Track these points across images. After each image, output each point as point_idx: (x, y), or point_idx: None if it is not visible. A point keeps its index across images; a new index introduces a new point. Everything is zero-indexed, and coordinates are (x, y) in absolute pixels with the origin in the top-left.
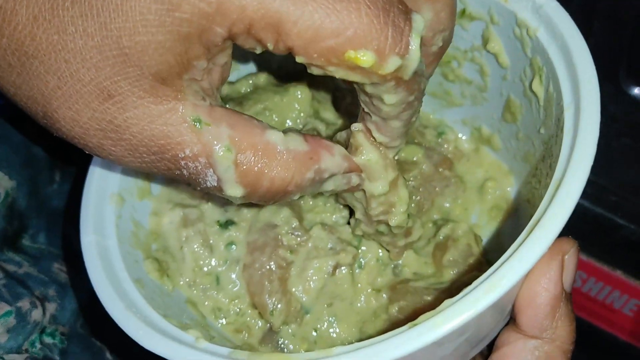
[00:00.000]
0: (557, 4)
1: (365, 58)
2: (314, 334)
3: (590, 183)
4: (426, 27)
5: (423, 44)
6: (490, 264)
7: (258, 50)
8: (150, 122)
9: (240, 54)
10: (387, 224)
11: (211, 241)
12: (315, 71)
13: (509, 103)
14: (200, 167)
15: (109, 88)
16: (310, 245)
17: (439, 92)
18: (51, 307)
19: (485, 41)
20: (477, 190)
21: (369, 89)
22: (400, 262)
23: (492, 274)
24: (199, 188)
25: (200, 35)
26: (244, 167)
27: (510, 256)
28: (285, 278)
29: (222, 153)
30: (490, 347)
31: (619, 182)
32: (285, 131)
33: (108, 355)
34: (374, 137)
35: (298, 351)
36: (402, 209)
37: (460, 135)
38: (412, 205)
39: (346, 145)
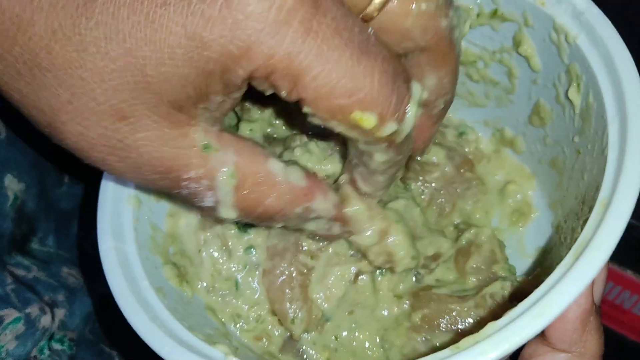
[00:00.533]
0: (600, 11)
1: (368, 121)
2: (335, 341)
3: None
4: (430, 92)
5: (426, 105)
6: (511, 270)
7: (268, 93)
8: (161, 144)
9: None
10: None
11: (230, 245)
12: (315, 121)
13: (537, 107)
14: (201, 189)
15: (125, 110)
16: (331, 250)
17: (462, 92)
18: (60, 313)
19: (517, 43)
20: (497, 193)
21: (361, 146)
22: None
23: (540, 299)
24: (195, 206)
25: (222, 73)
26: (243, 193)
27: (559, 280)
28: (306, 285)
29: (225, 178)
30: (513, 357)
31: None
32: (288, 163)
33: None
34: (358, 187)
35: (319, 359)
36: (402, 257)
37: (480, 135)
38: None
39: None
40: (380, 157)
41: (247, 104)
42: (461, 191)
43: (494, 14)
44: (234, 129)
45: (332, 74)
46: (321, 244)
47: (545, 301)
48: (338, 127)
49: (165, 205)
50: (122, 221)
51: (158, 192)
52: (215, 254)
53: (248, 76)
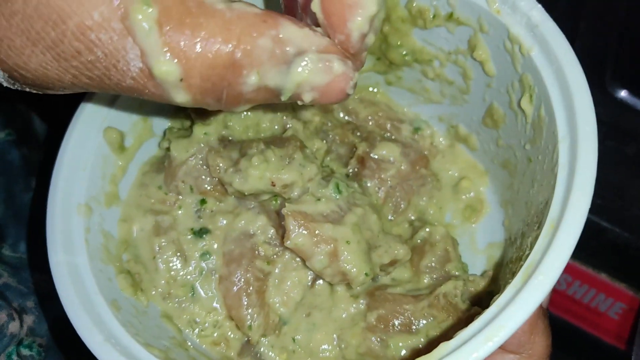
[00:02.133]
0: (554, 25)
1: None
2: (293, 343)
3: None
4: None
5: None
6: (464, 269)
7: None
8: None
9: None
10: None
11: (185, 251)
12: None
13: (491, 110)
14: (115, 37)
15: None
16: (287, 256)
17: (417, 89)
18: (29, 319)
19: (471, 47)
20: (451, 188)
21: None
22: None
23: (489, 322)
24: (128, 85)
25: None
26: (171, 26)
27: (508, 303)
28: (262, 290)
29: (139, 10)
30: None
31: (604, 185)
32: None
33: None
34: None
35: None
36: (355, 275)
37: (435, 129)
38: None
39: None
40: None
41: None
42: (416, 187)
43: (450, 16)
44: (188, 132)
45: None
46: (277, 249)
47: (494, 324)
48: None
49: (116, 211)
50: (72, 233)
51: (127, 156)
52: (171, 261)
53: None
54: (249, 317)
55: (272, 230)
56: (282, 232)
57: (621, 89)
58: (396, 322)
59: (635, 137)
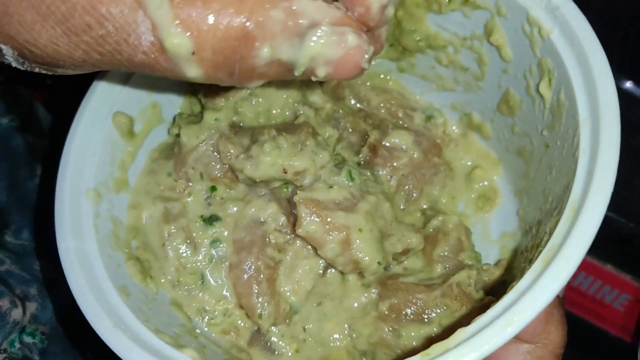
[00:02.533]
0: (575, 6)
1: None
2: (304, 332)
3: None
4: None
5: None
6: (477, 258)
7: None
8: None
9: None
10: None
11: (195, 238)
12: None
13: (507, 96)
14: (126, 10)
15: None
16: (298, 244)
17: (430, 76)
18: (32, 307)
19: (488, 32)
20: (464, 178)
21: None
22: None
23: (509, 307)
24: (139, 60)
25: None
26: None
27: (529, 288)
28: (273, 278)
29: None
30: None
31: None
32: None
33: (89, 355)
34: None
35: (287, 351)
36: (368, 263)
37: (448, 118)
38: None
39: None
40: None
41: (212, 92)
42: (428, 177)
43: (466, 0)
44: (198, 118)
45: None
46: (288, 237)
47: (514, 309)
48: None
49: (125, 197)
50: (81, 218)
51: (136, 143)
52: (180, 248)
53: None
54: (259, 305)
55: (283, 218)
56: (293, 220)
57: (627, 81)
58: (408, 312)
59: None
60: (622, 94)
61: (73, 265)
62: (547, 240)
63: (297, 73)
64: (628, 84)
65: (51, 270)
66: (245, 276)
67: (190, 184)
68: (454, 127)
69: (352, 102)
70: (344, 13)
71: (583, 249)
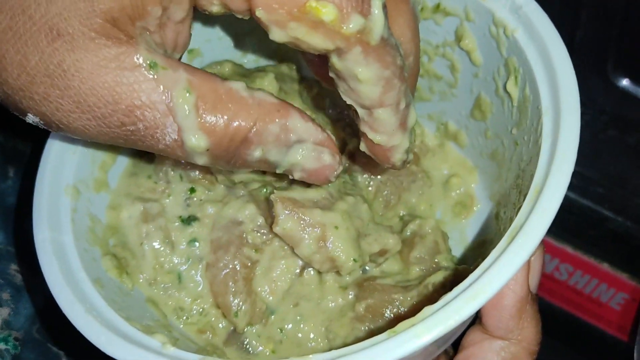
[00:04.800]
0: (537, 5)
1: (326, 10)
2: (280, 333)
3: (576, 175)
4: None
5: None
6: (453, 260)
7: (215, 9)
8: (101, 65)
9: (205, 39)
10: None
11: (173, 238)
12: (276, 34)
13: (479, 101)
14: (158, 116)
15: (59, 25)
16: (276, 244)
17: None
18: (4, 312)
19: (458, 38)
20: (442, 185)
21: (338, 63)
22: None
23: (473, 282)
24: (159, 148)
25: None
26: (206, 110)
27: (492, 264)
28: (250, 278)
29: (181, 96)
30: (455, 345)
31: (606, 174)
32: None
33: None
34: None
35: (264, 351)
36: (344, 261)
37: (426, 129)
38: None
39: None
40: (363, 72)
41: None
42: (406, 184)
43: (437, 8)
44: None
45: None
46: (265, 237)
47: (478, 284)
48: (300, 32)
49: (105, 197)
50: (59, 211)
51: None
52: (158, 247)
53: None
54: (234, 304)
55: (261, 219)
56: (270, 221)
57: (623, 78)
58: (385, 312)
59: (638, 126)
60: (619, 92)
61: (48, 255)
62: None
63: (278, 171)
64: (624, 82)
65: (28, 274)
66: (222, 275)
67: (170, 185)
68: (431, 138)
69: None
70: (326, 136)
71: (545, 224)
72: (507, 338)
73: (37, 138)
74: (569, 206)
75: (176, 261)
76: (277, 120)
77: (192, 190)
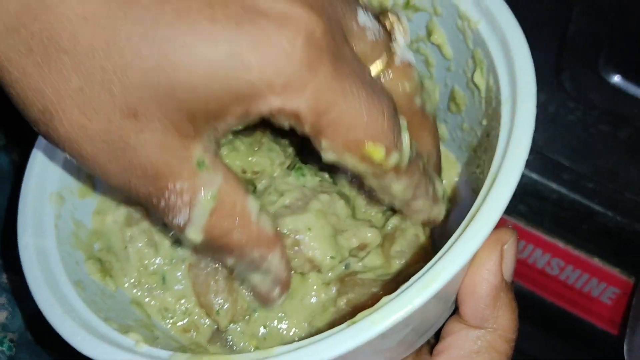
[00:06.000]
0: None
1: (379, 152)
2: (263, 330)
3: (567, 170)
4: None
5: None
6: (431, 253)
7: (286, 127)
8: (161, 150)
9: None
10: None
11: (156, 239)
12: (328, 156)
13: (453, 94)
14: (180, 203)
15: (138, 109)
16: None
17: None
18: (1, 316)
19: (429, 32)
20: None
21: (373, 182)
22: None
23: (429, 269)
24: (162, 220)
25: (252, 99)
26: (217, 219)
27: (447, 251)
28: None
29: (206, 198)
30: (438, 335)
31: (596, 169)
32: (262, 208)
33: None
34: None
35: (247, 348)
36: (321, 260)
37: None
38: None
39: None
40: (396, 186)
41: None
42: None
43: (407, 4)
44: None
45: (352, 111)
46: None
47: (432, 271)
48: (349, 161)
49: (91, 202)
50: (43, 217)
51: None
52: (142, 249)
53: (274, 111)
54: (216, 303)
55: None
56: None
57: (615, 74)
58: (365, 306)
59: (629, 121)
60: (610, 88)
61: (30, 260)
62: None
63: (234, 275)
64: (616, 78)
65: (19, 282)
66: (203, 274)
67: None
68: None
69: None
70: (287, 277)
71: (499, 208)
72: (483, 327)
73: None
74: (559, 201)
75: (160, 262)
76: (262, 251)
77: None
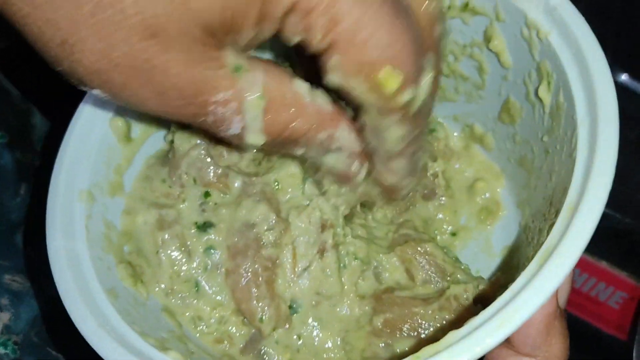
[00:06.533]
0: (573, 7)
1: (394, 80)
2: (298, 341)
3: None
4: None
5: None
6: (465, 272)
7: (294, 41)
8: (190, 66)
9: None
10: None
11: (189, 245)
12: (334, 79)
13: (507, 104)
14: (228, 113)
15: (156, 26)
16: (293, 232)
17: None
18: (4, 317)
19: (487, 38)
20: (466, 190)
21: (374, 119)
22: (379, 264)
23: (502, 308)
24: (218, 135)
25: (265, 2)
26: (272, 116)
27: (523, 288)
28: (272, 280)
29: (254, 100)
30: None
31: None
32: (312, 86)
33: None
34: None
35: None
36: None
37: (450, 131)
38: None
39: None
40: (395, 131)
41: None
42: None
43: (465, 7)
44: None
45: (371, 23)
46: (280, 230)
47: (508, 310)
48: (357, 86)
49: (120, 202)
50: (73, 218)
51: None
52: (174, 255)
53: (288, 9)
54: (259, 309)
55: (273, 217)
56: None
57: (622, 73)
58: (404, 327)
59: (637, 121)
60: (617, 87)
61: (61, 265)
62: (543, 241)
63: (307, 164)
64: (623, 77)
65: (20, 282)
66: (244, 281)
67: (184, 189)
68: (455, 140)
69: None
70: (361, 148)
71: (580, 246)
72: (534, 355)
73: (54, 154)
74: None
75: (193, 269)
76: (327, 129)
77: (207, 194)
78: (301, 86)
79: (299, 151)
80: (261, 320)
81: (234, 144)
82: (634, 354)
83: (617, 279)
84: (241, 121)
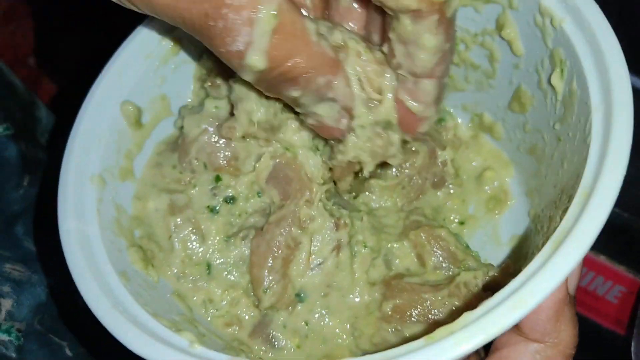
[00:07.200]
0: None
1: None
2: (306, 327)
3: None
4: None
5: None
6: (475, 259)
7: None
8: None
9: None
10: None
11: (203, 228)
12: None
13: (518, 93)
14: (239, 21)
15: None
16: (319, 221)
17: None
18: (7, 304)
19: (499, 26)
20: (475, 179)
21: (409, 26)
22: (389, 251)
23: (517, 289)
24: (219, 50)
25: None
26: (279, 38)
27: (537, 271)
28: (289, 260)
29: (267, 14)
30: (486, 347)
31: None
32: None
33: (67, 351)
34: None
35: (288, 346)
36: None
37: (459, 120)
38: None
39: None
40: (430, 40)
41: (218, 81)
42: (431, 181)
43: None
44: (200, 107)
45: None
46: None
47: (522, 292)
48: None
49: (130, 187)
50: (84, 201)
51: (143, 134)
52: (188, 239)
53: None
54: (267, 280)
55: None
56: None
57: (630, 75)
58: (414, 312)
59: (637, 118)
60: None
61: (73, 246)
62: (555, 227)
63: (298, 110)
64: (631, 78)
65: (20, 271)
66: (265, 246)
67: (195, 175)
68: (464, 130)
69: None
70: (354, 103)
71: (594, 230)
72: (543, 341)
73: (58, 147)
74: None
75: (205, 251)
76: (327, 75)
77: (218, 178)
78: (310, 24)
79: (295, 92)
80: (264, 291)
81: (231, 68)
82: (633, 348)
83: (616, 273)
84: (249, 35)
